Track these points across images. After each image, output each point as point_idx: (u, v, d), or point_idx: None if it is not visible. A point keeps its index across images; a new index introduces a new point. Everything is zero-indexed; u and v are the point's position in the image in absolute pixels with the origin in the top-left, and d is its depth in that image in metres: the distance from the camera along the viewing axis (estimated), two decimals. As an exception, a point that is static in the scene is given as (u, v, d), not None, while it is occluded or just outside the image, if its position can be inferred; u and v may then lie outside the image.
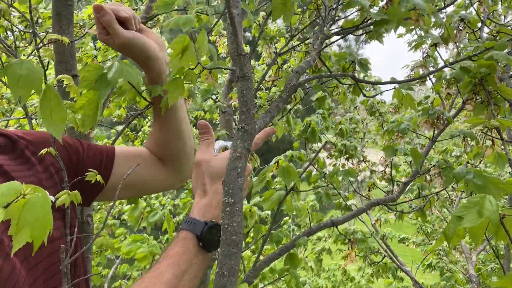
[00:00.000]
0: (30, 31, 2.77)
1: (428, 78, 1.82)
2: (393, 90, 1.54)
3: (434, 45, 1.48)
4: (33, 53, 2.72)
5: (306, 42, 2.97)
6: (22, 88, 0.73)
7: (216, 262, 1.87)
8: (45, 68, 1.58)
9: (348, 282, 6.72)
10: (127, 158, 1.25)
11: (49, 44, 1.70)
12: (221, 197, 0.94)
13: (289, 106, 3.32)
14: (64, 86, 1.23)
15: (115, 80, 0.94)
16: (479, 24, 1.73)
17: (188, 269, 0.85)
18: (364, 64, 1.78)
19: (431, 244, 5.52)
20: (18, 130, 1.09)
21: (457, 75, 1.32)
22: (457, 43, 1.77)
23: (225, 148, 1.15)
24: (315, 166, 3.24)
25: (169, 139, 1.31)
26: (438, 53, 1.48)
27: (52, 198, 0.91)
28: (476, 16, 1.76)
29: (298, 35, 3.03)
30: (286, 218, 4.89)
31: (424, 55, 1.80)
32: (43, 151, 0.87)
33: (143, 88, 1.35)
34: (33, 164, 1.01)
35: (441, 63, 1.66)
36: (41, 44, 1.48)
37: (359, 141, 5.20)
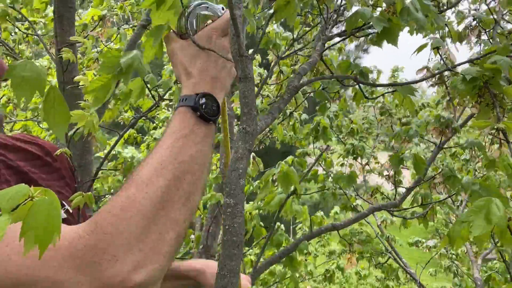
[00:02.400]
0: (34, 33, 2.78)
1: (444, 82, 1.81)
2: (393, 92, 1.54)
3: (436, 48, 1.48)
4: (31, 54, 2.72)
5: (309, 46, 2.97)
6: (26, 90, 0.72)
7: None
8: (65, 69, 1.57)
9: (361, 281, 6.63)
10: None
11: (50, 46, 1.70)
12: (209, 72, 0.91)
13: (289, 111, 3.32)
14: (71, 87, 1.24)
15: (126, 66, 0.93)
16: (492, 24, 1.72)
17: (190, 135, 0.83)
18: (365, 74, 1.78)
19: (446, 247, 5.45)
20: (43, 140, 1.09)
21: (458, 86, 1.31)
22: (471, 43, 1.77)
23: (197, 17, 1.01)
24: (322, 165, 3.23)
25: None
26: (441, 56, 1.47)
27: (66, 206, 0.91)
28: (490, 16, 1.74)
29: (300, 39, 3.03)
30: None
31: (435, 60, 1.79)
32: (58, 152, 0.87)
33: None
34: (53, 170, 1.01)
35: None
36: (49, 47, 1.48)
37: (373, 141, 5.12)
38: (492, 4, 1.93)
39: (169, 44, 0.97)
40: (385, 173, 3.23)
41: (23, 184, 0.52)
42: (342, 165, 3.83)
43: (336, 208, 4.48)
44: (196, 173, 0.80)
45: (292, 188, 2.32)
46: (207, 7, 0.98)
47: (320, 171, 3.27)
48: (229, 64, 0.95)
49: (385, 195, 3.23)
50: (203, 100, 0.86)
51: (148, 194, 0.72)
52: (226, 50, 0.95)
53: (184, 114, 0.85)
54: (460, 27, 1.89)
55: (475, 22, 1.64)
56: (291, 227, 5.58)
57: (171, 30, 0.99)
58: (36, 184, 0.73)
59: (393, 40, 1.39)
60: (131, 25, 3.28)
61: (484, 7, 2.07)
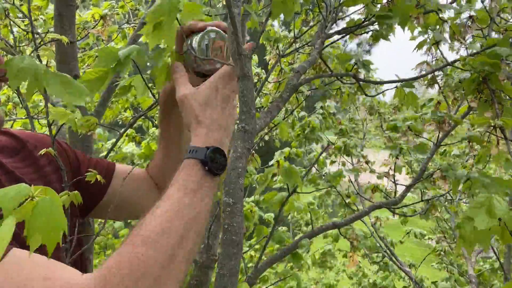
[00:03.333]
0: (32, 31, 2.78)
1: (436, 82, 1.81)
2: (394, 89, 1.53)
3: (436, 43, 1.47)
4: (32, 53, 2.72)
5: (310, 44, 2.96)
6: (21, 79, 0.72)
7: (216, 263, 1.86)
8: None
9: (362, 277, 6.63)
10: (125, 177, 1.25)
11: (51, 44, 1.70)
12: (218, 121, 0.96)
13: (290, 108, 3.31)
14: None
15: (124, 57, 0.94)
16: (488, 21, 1.71)
17: (198, 190, 0.86)
18: (366, 65, 1.78)
19: (447, 241, 5.43)
20: (23, 131, 1.09)
21: (457, 78, 1.31)
22: (465, 40, 1.76)
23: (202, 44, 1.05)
24: (315, 166, 3.23)
25: (170, 168, 1.30)
26: (440, 51, 1.47)
27: None
28: (485, 13, 1.74)
29: (301, 36, 3.02)
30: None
31: (435, 58, 1.78)
32: (42, 151, 0.87)
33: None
34: (42, 166, 1.01)
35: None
36: (38, 44, 1.48)
37: (360, 142, 5.17)
38: (486, 1, 1.93)
39: (179, 89, 1.01)
40: (384, 169, 3.21)
41: (24, 184, 0.52)
42: (332, 162, 3.84)
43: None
44: (199, 228, 0.84)
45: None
46: (216, 32, 1.04)
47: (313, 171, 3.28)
48: (233, 112, 1.01)
49: (384, 193, 3.22)
50: (212, 155, 0.90)
51: (156, 255, 0.75)
52: (232, 97, 1.01)
53: (193, 167, 0.89)
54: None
55: (471, 19, 1.64)
56: (293, 227, 5.58)
57: (184, 70, 1.03)
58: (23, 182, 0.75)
59: (403, 23, 1.35)
60: (132, 24, 3.28)
61: (479, 5, 2.07)
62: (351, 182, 3.36)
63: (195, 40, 1.04)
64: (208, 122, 0.95)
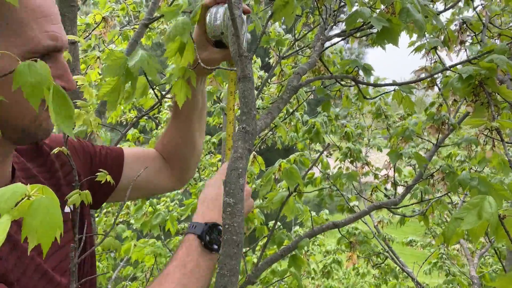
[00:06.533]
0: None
1: (435, 84, 1.82)
2: (393, 91, 1.55)
3: (434, 49, 1.48)
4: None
5: (310, 46, 2.97)
6: (37, 96, 0.71)
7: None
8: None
9: (359, 280, 6.65)
10: (135, 160, 1.29)
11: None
12: (220, 200, 1.00)
13: (290, 110, 3.32)
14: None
15: (135, 70, 0.95)
16: (481, 27, 1.73)
17: (195, 269, 0.91)
18: (368, 70, 1.79)
19: (439, 246, 5.45)
20: None
21: (454, 85, 1.32)
22: (461, 46, 1.77)
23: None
24: (319, 167, 3.23)
25: (181, 144, 1.35)
26: (439, 56, 1.48)
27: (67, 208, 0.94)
28: (478, 19, 1.76)
29: (302, 39, 3.03)
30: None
31: (433, 61, 1.79)
32: (55, 150, 0.88)
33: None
34: (55, 170, 1.03)
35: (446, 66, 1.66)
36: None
37: (364, 146, 5.20)
38: (479, 8, 1.95)
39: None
40: (384, 172, 3.23)
41: (19, 183, 0.53)
42: (339, 168, 3.87)
43: (326, 211, 4.53)
44: None
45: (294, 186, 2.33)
46: None
47: (317, 174, 3.28)
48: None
49: (384, 193, 3.24)
50: (209, 230, 0.96)
51: None
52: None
53: (191, 243, 0.95)
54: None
55: (464, 25, 1.66)
56: (293, 227, 5.58)
57: None
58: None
59: (394, 40, 1.39)
60: (132, 26, 3.29)
61: (472, 13, 2.09)
62: (353, 184, 3.37)
63: (220, 12, 1.08)
64: (211, 199, 1.04)
